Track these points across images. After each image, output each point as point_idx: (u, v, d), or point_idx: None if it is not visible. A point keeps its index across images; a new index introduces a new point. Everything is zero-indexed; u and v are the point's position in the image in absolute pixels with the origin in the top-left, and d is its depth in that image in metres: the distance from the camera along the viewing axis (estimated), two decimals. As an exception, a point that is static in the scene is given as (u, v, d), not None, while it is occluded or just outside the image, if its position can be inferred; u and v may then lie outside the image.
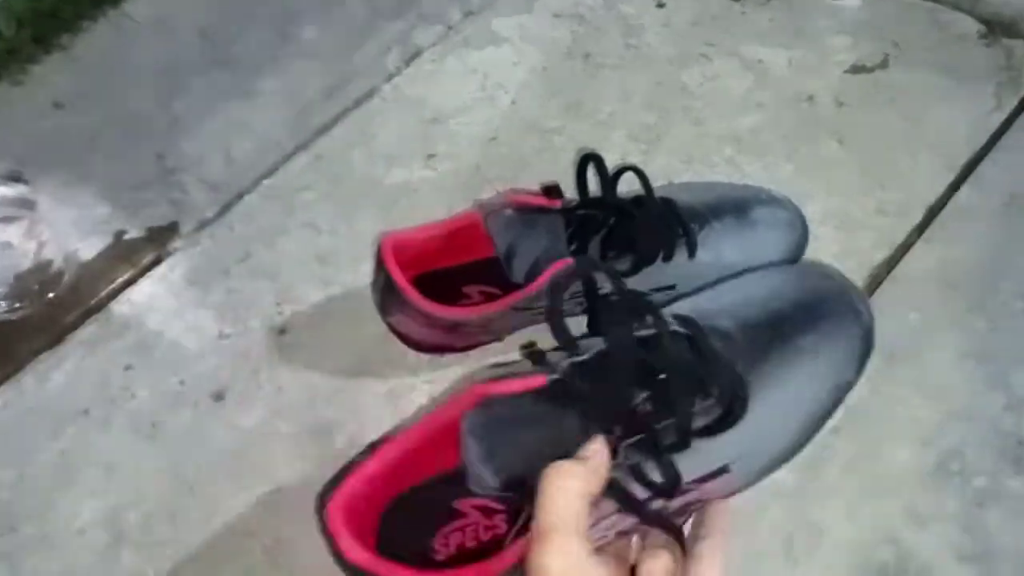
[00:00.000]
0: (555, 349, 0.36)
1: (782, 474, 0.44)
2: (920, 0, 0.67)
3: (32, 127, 0.66)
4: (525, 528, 0.34)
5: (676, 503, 0.37)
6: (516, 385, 0.36)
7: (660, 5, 0.69)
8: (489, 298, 0.50)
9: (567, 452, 0.34)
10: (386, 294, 0.48)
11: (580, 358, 0.35)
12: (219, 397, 0.52)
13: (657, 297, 0.47)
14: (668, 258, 0.47)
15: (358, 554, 0.33)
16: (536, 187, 0.49)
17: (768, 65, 0.64)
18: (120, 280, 0.58)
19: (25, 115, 0.66)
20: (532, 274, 0.48)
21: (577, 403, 0.35)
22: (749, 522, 0.45)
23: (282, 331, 0.54)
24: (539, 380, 0.35)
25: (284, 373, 0.52)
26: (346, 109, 0.65)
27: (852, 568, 0.44)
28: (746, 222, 0.50)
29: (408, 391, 0.51)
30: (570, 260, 0.43)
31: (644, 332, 0.36)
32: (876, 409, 0.48)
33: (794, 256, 0.50)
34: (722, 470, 0.37)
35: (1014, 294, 0.51)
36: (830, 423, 0.43)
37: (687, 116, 0.63)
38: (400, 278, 0.46)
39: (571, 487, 0.32)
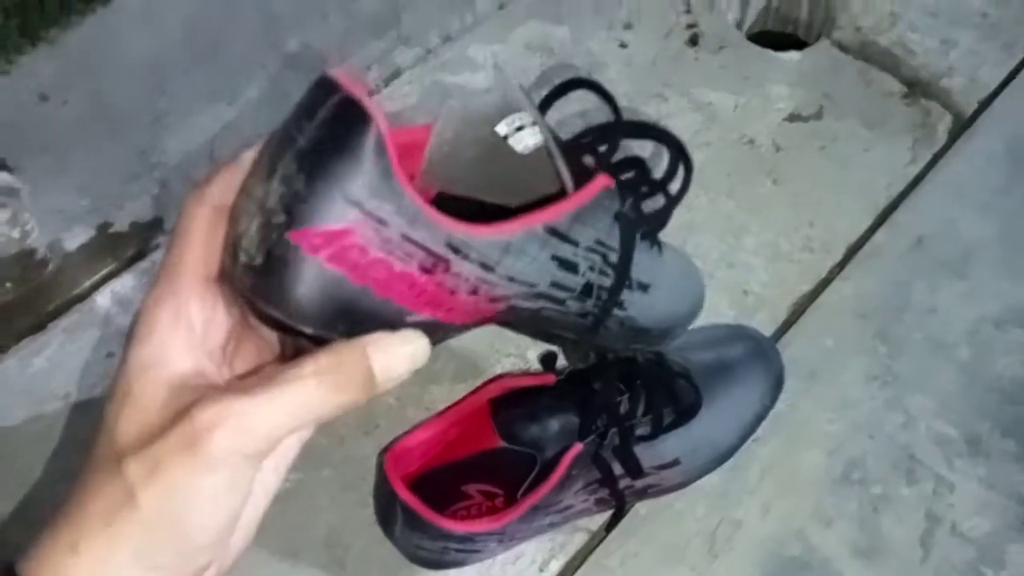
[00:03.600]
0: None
1: (709, 476, 0.51)
2: (852, 58, 0.74)
3: (18, 117, 0.67)
4: (530, 489, 0.46)
5: (639, 484, 0.49)
6: (532, 380, 0.50)
7: (622, 45, 0.75)
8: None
9: (570, 432, 0.48)
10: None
11: (580, 366, 0.49)
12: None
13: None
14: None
15: (407, 494, 0.45)
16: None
17: (716, 108, 0.71)
18: (103, 272, 0.61)
19: (11, 105, 0.68)
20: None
21: (576, 398, 0.48)
22: (677, 518, 0.52)
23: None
24: (549, 378, 0.49)
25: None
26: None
27: (765, 560, 0.50)
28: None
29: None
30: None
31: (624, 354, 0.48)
32: (793, 422, 0.55)
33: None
34: (675, 462, 0.49)
35: (914, 326, 0.59)
36: (753, 434, 0.51)
37: (642, 150, 0.69)
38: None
39: (206, 211, 0.28)
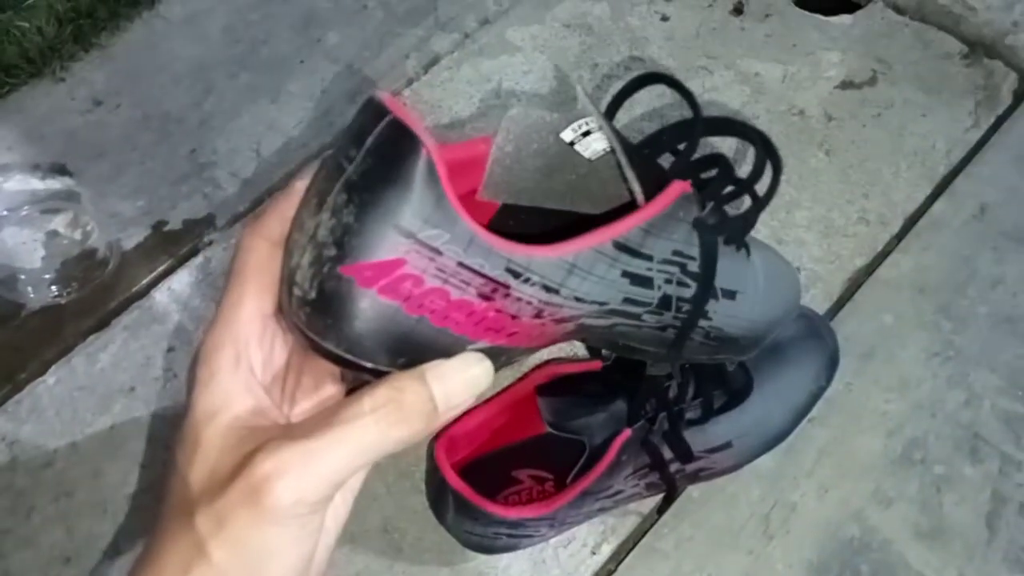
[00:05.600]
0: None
1: (763, 459, 0.50)
2: (907, 19, 0.71)
3: (74, 123, 0.70)
4: (579, 475, 0.46)
5: (690, 468, 0.48)
6: (579, 366, 0.50)
7: (664, 18, 0.73)
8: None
9: (619, 417, 0.48)
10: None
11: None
12: (253, 379, 0.57)
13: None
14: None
15: (458, 482, 0.45)
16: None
17: (764, 79, 0.69)
18: (160, 269, 0.63)
19: (67, 111, 0.70)
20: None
21: (624, 383, 0.47)
22: (731, 501, 0.51)
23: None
24: (596, 364, 0.49)
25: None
26: (368, 112, 0.69)
27: (822, 542, 0.49)
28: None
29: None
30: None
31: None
32: (850, 402, 0.53)
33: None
34: (727, 445, 0.48)
35: (978, 299, 0.56)
36: (808, 416, 0.50)
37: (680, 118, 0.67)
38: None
39: (262, 245, 0.28)
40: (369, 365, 0.27)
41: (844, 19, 0.72)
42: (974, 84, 0.67)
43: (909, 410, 0.53)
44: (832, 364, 0.51)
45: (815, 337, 0.51)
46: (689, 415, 0.47)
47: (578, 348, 0.56)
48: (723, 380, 0.48)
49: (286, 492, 0.24)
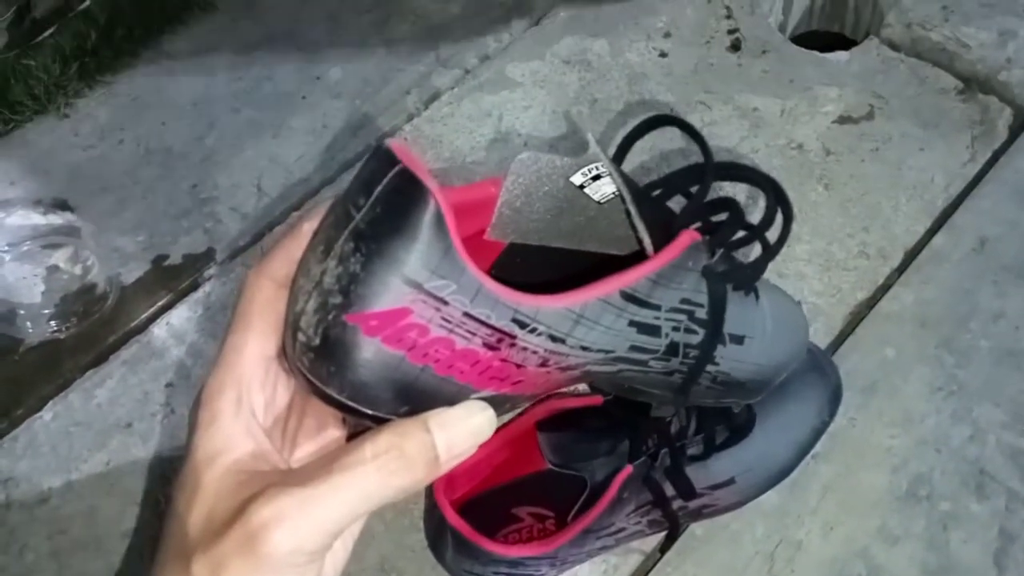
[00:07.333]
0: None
1: (767, 496, 0.50)
2: (902, 56, 0.72)
3: (77, 158, 0.71)
4: (580, 512, 0.46)
5: (693, 505, 0.47)
6: (579, 401, 0.49)
7: (662, 55, 0.74)
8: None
9: (620, 453, 0.47)
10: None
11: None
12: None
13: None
14: None
15: (457, 520, 0.44)
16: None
17: (762, 114, 0.69)
18: (160, 304, 0.63)
19: (70, 147, 0.71)
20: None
21: (625, 419, 0.46)
22: (735, 539, 0.50)
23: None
24: (597, 399, 0.48)
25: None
26: (369, 147, 0.70)
27: (828, 582, 0.48)
28: None
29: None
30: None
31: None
32: (853, 437, 0.53)
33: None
34: (730, 481, 0.47)
35: (980, 333, 0.56)
36: (811, 451, 0.49)
37: (686, 160, 0.67)
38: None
39: (267, 286, 0.28)
40: (371, 412, 0.27)
41: (840, 56, 0.73)
42: (970, 119, 0.67)
43: (914, 445, 0.52)
44: (835, 399, 0.50)
45: (817, 371, 0.50)
46: (691, 451, 0.47)
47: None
48: (725, 416, 0.47)
49: (283, 541, 0.24)
